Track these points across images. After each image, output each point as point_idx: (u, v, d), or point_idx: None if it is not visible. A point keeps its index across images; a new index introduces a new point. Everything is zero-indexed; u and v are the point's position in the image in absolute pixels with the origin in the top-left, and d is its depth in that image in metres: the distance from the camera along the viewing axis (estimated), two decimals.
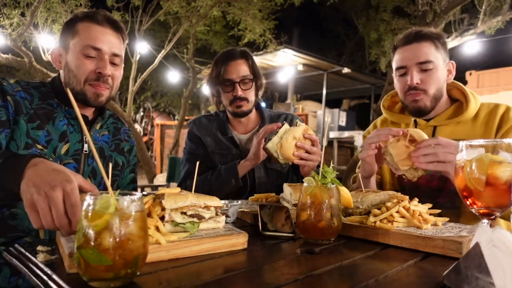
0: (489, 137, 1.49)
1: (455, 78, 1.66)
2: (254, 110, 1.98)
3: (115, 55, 1.40)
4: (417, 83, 1.51)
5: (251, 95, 1.89)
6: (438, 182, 1.58)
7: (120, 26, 1.44)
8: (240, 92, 1.84)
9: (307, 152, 1.53)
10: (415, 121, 1.65)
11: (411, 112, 1.62)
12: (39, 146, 1.30)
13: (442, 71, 1.55)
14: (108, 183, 0.71)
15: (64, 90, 1.41)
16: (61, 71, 1.44)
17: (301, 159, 1.52)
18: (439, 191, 1.57)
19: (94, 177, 1.44)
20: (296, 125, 1.55)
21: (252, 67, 1.89)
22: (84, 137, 1.40)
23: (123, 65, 1.49)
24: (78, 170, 1.38)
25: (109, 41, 1.38)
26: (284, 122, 1.59)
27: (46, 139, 1.32)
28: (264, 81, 1.98)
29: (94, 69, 1.36)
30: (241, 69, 1.85)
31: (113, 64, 1.41)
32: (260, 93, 1.98)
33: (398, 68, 1.58)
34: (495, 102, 1.60)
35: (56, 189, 0.83)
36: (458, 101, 1.62)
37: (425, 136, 1.27)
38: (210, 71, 1.95)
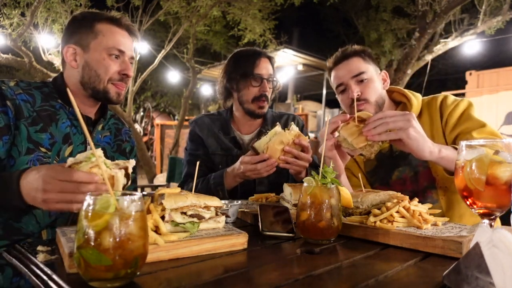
0: (438, 128, 1.56)
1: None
2: None
3: (131, 57, 1.48)
4: (358, 95, 1.57)
5: (270, 95, 1.94)
6: (411, 184, 1.61)
7: (134, 31, 1.51)
8: (267, 90, 1.89)
9: (294, 157, 1.53)
10: None
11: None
12: (43, 149, 1.28)
13: (377, 79, 1.64)
14: (108, 183, 0.71)
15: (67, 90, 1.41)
16: (68, 70, 1.43)
17: (287, 163, 1.53)
18: (414, 193, 1.60)
19: None
20: (289, 128, 1.55)
21: (273, 69, 1.97)
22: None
23: None
24: None
25: (128, 44, 1.45)
26: (277, 123, 1.59)
27: (50, 142, 1.30)
28: (281, 83, 2.02)
29: (118, 70, 1.41)
30: (269, 68, 1.92)
31: None
32: (273, 95, 2.01)
33: (337, 87, 1.67)
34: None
35: (50, 186, 0.92)
36: (401, 103, 1.67)
37: (372, 115, 1.32)
38: (232, 66, 1.94)
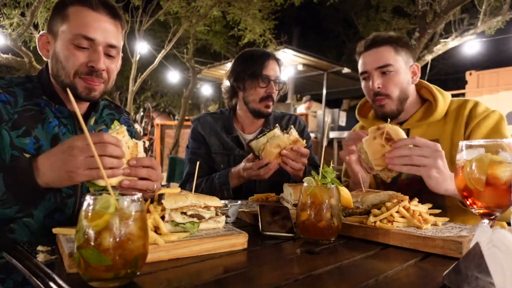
0: (459, 134, 1.49)
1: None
2: None
3: (110, 46, 1.22)
4: (378, 87, 1.53)
5: (276, 97, 1.96)
6: (418, 184, 1.58)
7: (117, 12, 1.25)
8: (274, 91, 1.91)
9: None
10: None
11: (380, 117, 1.63)
12: (27, 156, 1.15)
13: (404, 73, 1.55)
14: (108, 183, 0.71)
15: (53, 85, 1.27)
16: (48, 61, 1.27)
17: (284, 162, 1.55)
18: (419, 193, 1.57)
19: None
20: (288, 132, 1.55)
21: (280, 71, 1.99)
22: None
23: (121, 56, 1.33)
24: None
25: (104, 30, 1.19)
26: (277, 125, 1.60)
27: (35, 146, 1.17)
28: (287, 87, 2.04)
29: (86, 62, 1.18)
30: (277, 69, 1.95)
31: (108, 56, 1.23)
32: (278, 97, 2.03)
33: (361, 74, 1.63)
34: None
35: (75, 151, 0.88)
36: (428, 101, 1.61)
37: (403, 134, 1.22)
38: (240, 65, 1.95)
